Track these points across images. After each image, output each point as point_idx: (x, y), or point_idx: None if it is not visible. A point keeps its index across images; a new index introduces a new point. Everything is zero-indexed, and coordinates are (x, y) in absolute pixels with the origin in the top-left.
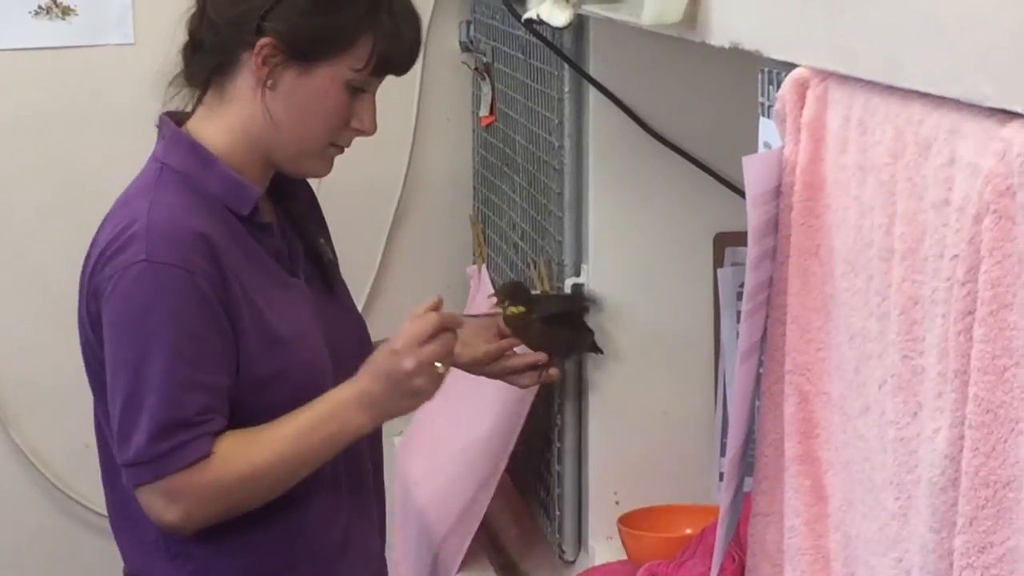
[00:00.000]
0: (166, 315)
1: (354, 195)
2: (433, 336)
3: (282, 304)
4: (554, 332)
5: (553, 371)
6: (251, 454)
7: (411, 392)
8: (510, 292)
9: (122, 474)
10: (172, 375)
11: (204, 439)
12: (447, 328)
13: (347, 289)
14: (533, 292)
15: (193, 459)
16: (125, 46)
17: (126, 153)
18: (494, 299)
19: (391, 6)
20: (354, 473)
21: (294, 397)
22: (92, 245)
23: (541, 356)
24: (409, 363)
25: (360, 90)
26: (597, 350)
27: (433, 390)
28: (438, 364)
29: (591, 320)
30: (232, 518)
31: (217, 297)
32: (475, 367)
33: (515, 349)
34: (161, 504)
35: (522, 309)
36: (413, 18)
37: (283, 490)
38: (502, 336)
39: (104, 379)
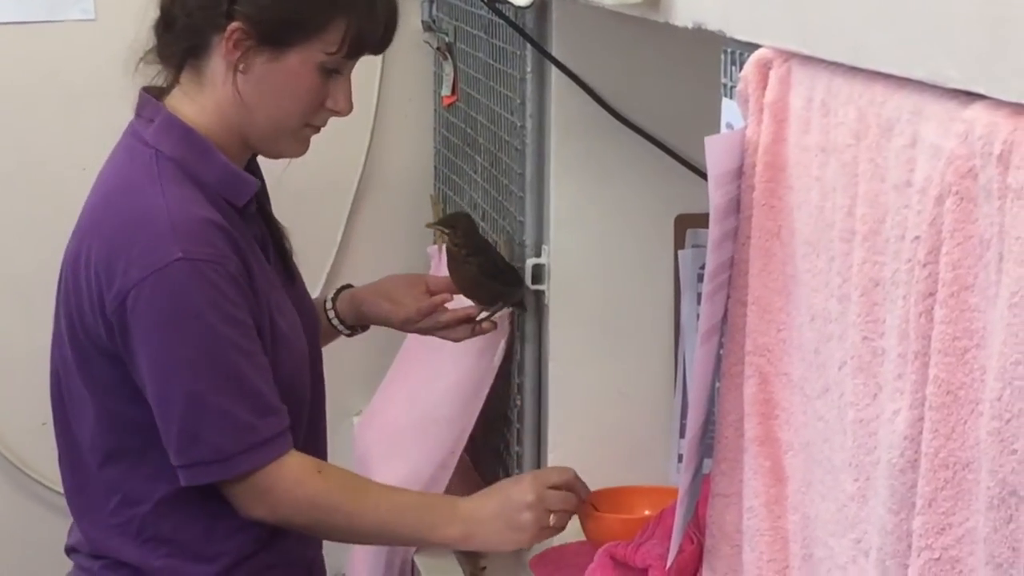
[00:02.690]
0: (216, 310)
1: (314, 174)
2: (563, 488)
3: (275, 294)
4: (485, 283)
5: (485, 325)
6: (356, 495)
7: (514, 524)
8: (452, 222)
9: (181, 474)
10: (235, 368)
11: (283, 436)
12: (577, 490)
13: (297, 268)
14: (483, 237)
15: (273, 456)
16: (85, 22)
17: (84, 130)
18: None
19: None
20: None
21: (285, 389)
22: (91, 233)
23: (473, 310)
24: (530, 495)
25: (335, 71)
26: (523, 307)
27: (534, 537)
28: (552, 514)
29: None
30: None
31: (248, 285)
32: (408, 325)
33: (446, 305)
34: (245, 497)
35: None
36: None
37: (352, 541)
38: (432, 293)
39: (98, 367)
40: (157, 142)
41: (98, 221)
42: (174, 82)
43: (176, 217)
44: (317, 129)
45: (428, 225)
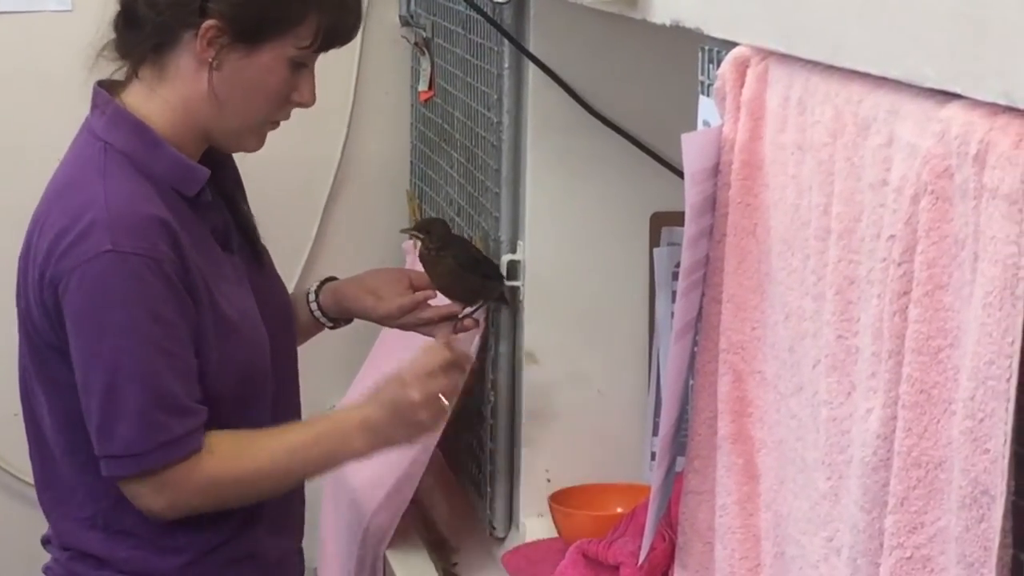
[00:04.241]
0: (139, 305)
1: (291, 168)
2: (442, 370)
3: (227, 285)
4: (464, 276)
5: (467, 322)
6: (247, 458)
7: (414, 424)
8: (427, 227)
9: (101, 465)
10: (152, 365)
11: (195, 434)
12: (456, 365)
13: (269, 254)
14: (458, 235)
15: (184, 454)
16: (62, 13)
17: (61, 121)
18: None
19: None
20: None
21: (240, 378)
22: (39, 228)
23: (455, 308)
24: (415, 394)
25: (302, 64)
26: (504, 301)
27: (438, 424)
28: (443, 399)
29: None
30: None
31: (181, 282)
32: (389, 320)
33: (429, 302)
34: (146, 492)
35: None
36: None
37: (269, 497)
38: (415, 289)
39: (51, 364)
40: (107, 135)
41: (43, 216)
42: (132, 76)
43: (113, 209)
44: (277, 124)
45: (403, 230)
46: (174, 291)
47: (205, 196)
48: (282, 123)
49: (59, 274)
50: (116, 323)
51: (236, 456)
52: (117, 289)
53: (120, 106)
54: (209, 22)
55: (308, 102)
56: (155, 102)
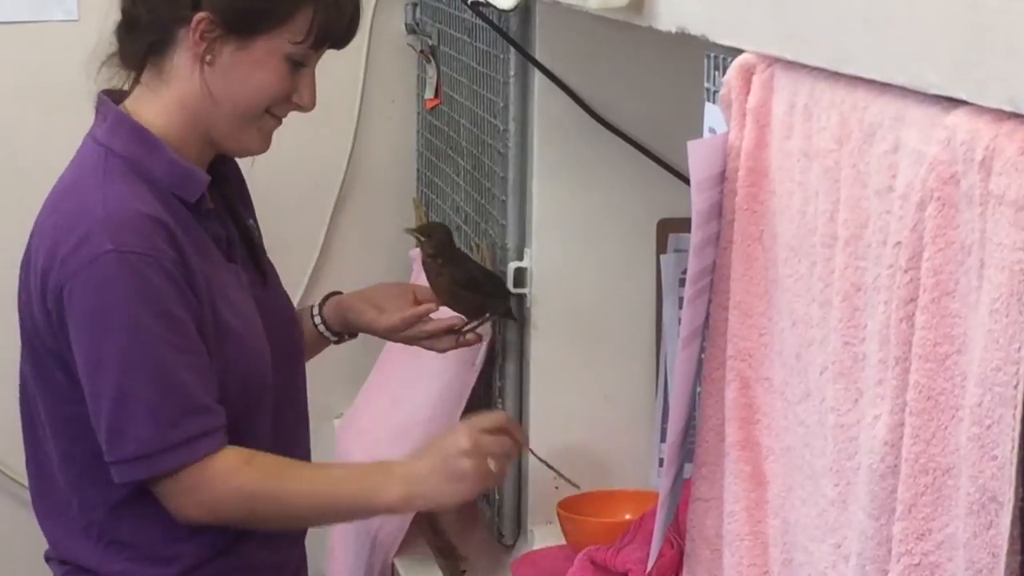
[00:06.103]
0: (145, 303)
1: (297, 176)
2: (496, 432)
3: (229, 293)
4: (462, 295)
5: (470, 336)
6: (288, 478)
7: (454, 474)
8: (428, 231)
9: (113, 472)
10: (162, 362)
11: (213, 435)
12: (511, 434)
13: (274, 269)
14: (460, 249)
15: (200, 455)
16: (68, 22)
17: (66, 132)
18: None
19: None
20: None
21: (242, 387)
22: (38, 234)
23: (457, 320)
24: (465, 441)
25: (300, 64)
26: (511, 316)
27: (477, 485)
28: (491, 461)
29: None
30: (236, 526)
31: (185, 280)
32: (392, 333)
33: (431, 315)
34: (174, 493)
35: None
36: None
37: (297, 526)
38: (419, 303)
39: (50, 370)
40: (108, 141)
41: (43, 223)
42: (135, 84)
43: (111, 210)
44: (279, 121)
45: (406, 230)
46: (178, 288)
47: (206, 203)
48: (289, 131)
49: (62, 280)
50: (123, 323)
51: (277, 474)
52: (121, 288)
53: (121, 111)
54: (201, 14)
55: (308, 105)
56: (155, 105)
